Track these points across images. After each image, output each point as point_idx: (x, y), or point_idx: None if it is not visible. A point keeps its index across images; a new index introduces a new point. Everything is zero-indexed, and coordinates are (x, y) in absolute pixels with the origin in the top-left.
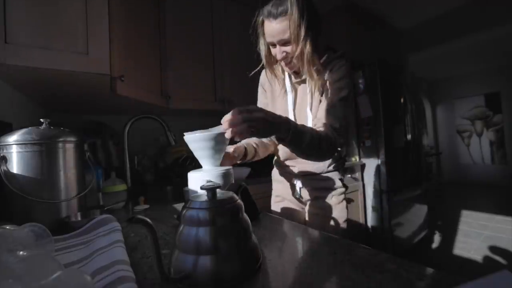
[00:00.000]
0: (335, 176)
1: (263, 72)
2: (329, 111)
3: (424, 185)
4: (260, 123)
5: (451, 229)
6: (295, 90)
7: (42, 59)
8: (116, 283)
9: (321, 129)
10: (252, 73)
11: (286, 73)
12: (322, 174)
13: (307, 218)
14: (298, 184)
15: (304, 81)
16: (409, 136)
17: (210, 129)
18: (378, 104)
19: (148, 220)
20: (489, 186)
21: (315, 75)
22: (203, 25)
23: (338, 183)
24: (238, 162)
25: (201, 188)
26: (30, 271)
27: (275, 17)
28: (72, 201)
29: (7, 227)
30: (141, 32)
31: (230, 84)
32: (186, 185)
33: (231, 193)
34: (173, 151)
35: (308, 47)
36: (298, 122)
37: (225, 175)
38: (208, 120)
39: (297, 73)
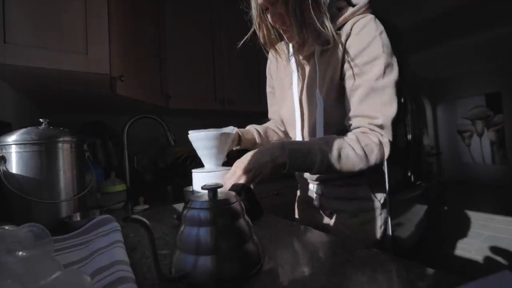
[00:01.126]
0: (367, 181)
1: (270, 54)
2: (362, 102)
3: (425, 185)
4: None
5: (451, 229)
6: (302, 69)
7: (41, 59)
8: (116, 283)
9: (354, 128)
10: (240, 43)
11: (291, 47)
12: (345, 180)
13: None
14: (317, 190)
15: (313, 55)
16: (409, 136)
17: (215, 129)
18: None
19: (144, 219)
20: (489, 186)
21: (311, 38)
22: (203, 25)
23: (367, 192)
24: (234, 148)
25: (202, 188)
26: (29, 271)
27: None
28: (72, 201)
29: (6, 227)
30: (141, 31)
31: (230, 84)
32: (186, 185)
33: (232, 193)
34: (173, 151)
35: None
36: (305, 111)
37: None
38: (208, 120)
39: (301, 46)
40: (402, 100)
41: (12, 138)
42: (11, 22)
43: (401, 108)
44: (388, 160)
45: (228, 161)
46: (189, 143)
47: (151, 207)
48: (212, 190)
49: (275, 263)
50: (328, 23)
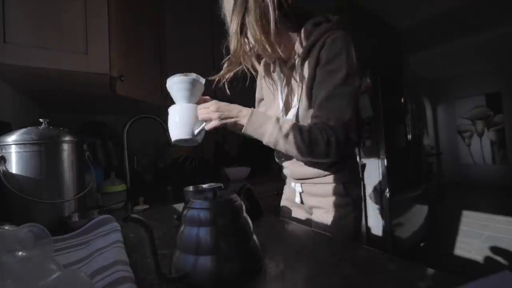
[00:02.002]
0: (340, 178)
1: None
2: (321, 105)
3: (425, 185)
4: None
5: (451, 229)
6: (287, 80)
7: (41, 59)
8: (116, 283)
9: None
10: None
11: (277, 62)
12: (321, 178)
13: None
14: (297, 188)
15: (294, 66)
16: (409, 136)
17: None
18: (378, 104)
19: (144, 219)
20: (490, 186)
21: (288, 53)
22: (203, 25)
23: (341, 190)
24: None
25: (203, 189)
26: (29, 271)
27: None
28: (72, 201)
29: (6, 228)
30: (140, 31)
31: (230, 84)
32: (186, 185)
33: (232, 193)
34: (173, 151)
35: (256, 14)
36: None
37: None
38: None
39: (284, 61)
40: (402, 100)
41: (12, 138)
42: (11, 22)
43: (401, 108)
44: (341, 159)
45: (230, 160)
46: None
47: (151, 207)
48: (212, 190)
49: (275, 263)
50: (300, 40)
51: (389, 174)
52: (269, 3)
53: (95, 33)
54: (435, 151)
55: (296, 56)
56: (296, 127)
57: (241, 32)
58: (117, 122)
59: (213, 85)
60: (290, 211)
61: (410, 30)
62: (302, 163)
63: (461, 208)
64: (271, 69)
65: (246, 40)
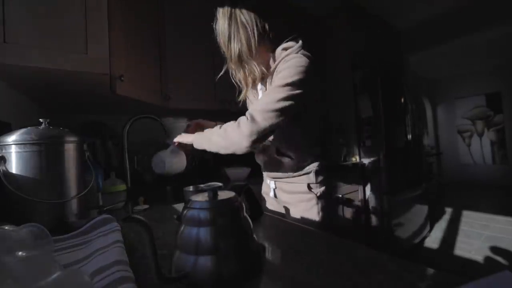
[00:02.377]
0: (305, 180)
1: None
2: (260, 99)
3: (425, 185)
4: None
5: (451, 229)
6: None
7: (41, 59)
8: (116, 283)
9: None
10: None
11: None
12: (291, 178)
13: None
14: (272, 185)
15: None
16: (409, 136)
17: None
18: (378, 104)
19: (144, 219)
20: (490, 186)
21: (258, 73)
22: (203, 25)
23: (304, 188)
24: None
25: (203, 188)
26: (29, 271)
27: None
28: (72, 201)
29: (6, 228)
30: (140, 31)
31: (230, 84)
32: (186, 185)
33: (232, 193)
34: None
35: (243, 45)
36: None
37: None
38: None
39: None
40: (402, 100)
41: (12, 138)
42: (11, 22)
43: (401, 108)
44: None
45: (229, 160)
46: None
47: (151, 207)
48: (212, 190)
49: (275, 263)
50: (274, 60)
51: (389, 174)
52: (252, 34)
53: (95, 33)
54: (435, 151)
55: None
56: (218, 127)
57: (240, 60)
58: (117, 122)
59: (239, 100)
60: (269, 205)
61: (410, 30)
62: (274, 164)
63: (461, 208)
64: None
65: (244, 64)
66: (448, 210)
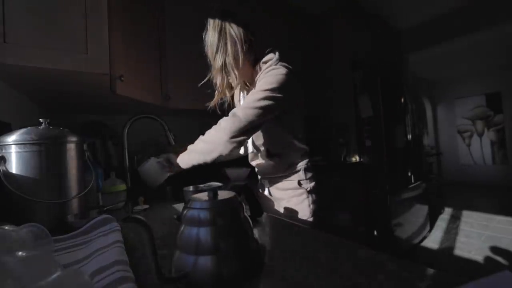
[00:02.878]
0: (295, 177)
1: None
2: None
3: (425, 185)
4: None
5: (451, 229)
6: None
7: (41, 59)
8: (116, 283)
9: None
10: (200, 84)
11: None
12: (282, 176)
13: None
14: (266, 183)
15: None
16: (409, 136)
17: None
18: (378, 104)
19: (144, 219)
20: (490, 186)
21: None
22: (203, 25)
23: (295, 185)
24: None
25: (203, 189)
26: (29, 271)
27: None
28: (72, 201)
29: (6, 228)
30: (141, 31)
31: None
32: (186, 185)
33: (232, 193)
34: (173, 151)
35: (230, 57)
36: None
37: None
38: (208, 120)
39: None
40: (402, 100)
41: (12, 138)
42: (11, 22)
43: (401, 108)
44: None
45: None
46: (188, 143)
47: (151, 207)
48: (212, 190)
49: (275, 263)
50: (256, 72)
51: (389, 174)
52: (239, 48)
53: (95, 33)
54: (435, 151)
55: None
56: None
57: (222, 69)
58: (117, 122)
59: (208, 108)
60: (262, 202)
61: (410, 30)
62: (267, 166)
63: (461, 208)
64: (239, 92)
65: (225, 74)
66: (448, 210)
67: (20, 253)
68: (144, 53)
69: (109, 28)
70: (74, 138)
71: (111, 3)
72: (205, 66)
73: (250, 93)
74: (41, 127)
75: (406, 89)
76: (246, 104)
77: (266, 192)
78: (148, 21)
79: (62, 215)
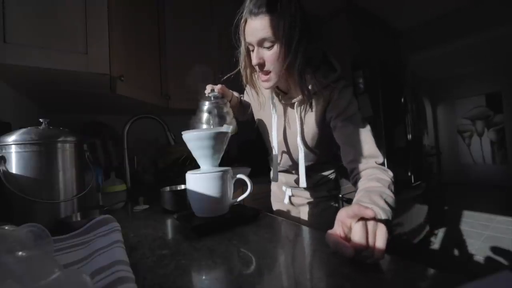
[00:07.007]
0: (324, 188)
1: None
2: (364, 144)
3: (425, 185)
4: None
5: (452, 229)
6: (284, 114)
7: (41, 59)
8: (116, 283)
9: (368, 170)
10: (225, 77)
11: (274, 91)
12: (311, 187)
13: (301, 220)
14: (288, 192)
15: (293, 105)
16: (409, 136)
17: (209, 128)
18: (378, 104)
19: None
20: (490, 186)
21: (293, 89)
22: (203, 25)
23: (325, 193)
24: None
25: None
26: (29, 271)
27: (256, 14)
28: (72, 201)
29: (6, 228)
30: (141, 31)
31: (231, 84)
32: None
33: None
34: (173, 151)
35: (300, 57)
36: (293, 155)
37: (223, 176)
38: None
39: (285, 93)
40: (402, 100)
41: (12, 138)
42: (11, 22)
43: (401, 108)
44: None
45: (230, 160)
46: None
47: (151, 207)
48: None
49: (275, 263)
50: (311, 84)
51: None
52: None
53: (95, 33)
54: (435, 151)
55: (298, 96)
56: (381, 189)
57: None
58: (117, 122)
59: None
60: (279, 208)
61: (410, 30)
62: (293, 176)
63: (461, 208)
64: (272, 94)
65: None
66: (448, 210)
67: (20, 253)
68: (144, 53)
69: (109, 28)
70: (74, 138)
71: (111, 3)
72: (206, 66)
73: (362, 135)
74: (41, 127)
75: (406, 89)
76: (381, 156)
77: (286, 201)
78: (148, 21)
79: (62, 215)
